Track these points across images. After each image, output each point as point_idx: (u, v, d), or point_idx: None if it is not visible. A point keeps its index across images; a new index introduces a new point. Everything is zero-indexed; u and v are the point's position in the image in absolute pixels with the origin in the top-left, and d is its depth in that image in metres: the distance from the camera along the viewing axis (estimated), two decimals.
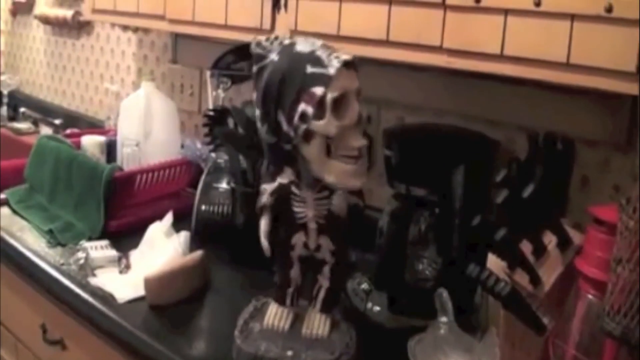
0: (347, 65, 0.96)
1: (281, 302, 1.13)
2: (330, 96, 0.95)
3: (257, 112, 1.02)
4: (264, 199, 1.06)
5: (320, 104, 0.95)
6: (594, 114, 1.24)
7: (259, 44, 1.03)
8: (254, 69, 1.02)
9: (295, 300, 1.13)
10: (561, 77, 0.97)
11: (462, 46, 1.06)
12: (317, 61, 0.97)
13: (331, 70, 0.95)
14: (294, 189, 1.04)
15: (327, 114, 0.95)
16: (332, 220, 1.05)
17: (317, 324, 1.10)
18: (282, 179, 1.05)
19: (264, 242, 1.06)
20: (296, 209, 1.05)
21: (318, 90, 0.95)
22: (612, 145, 1.24)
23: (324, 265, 1.09)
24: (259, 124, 1.03)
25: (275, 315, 1.12)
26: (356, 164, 0.98)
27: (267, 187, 1.06)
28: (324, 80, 0.95)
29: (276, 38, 1.04)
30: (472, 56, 1.06)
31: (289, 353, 1.06)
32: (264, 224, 1.07)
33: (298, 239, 1.08)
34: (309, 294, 1.13)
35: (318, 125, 0.96)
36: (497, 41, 1.01)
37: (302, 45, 1.00)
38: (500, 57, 1.02)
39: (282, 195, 1.05)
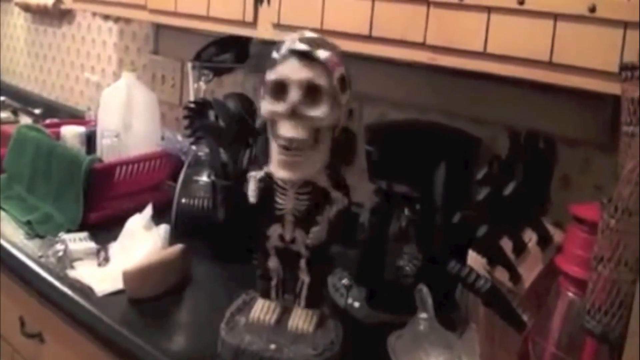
0: (297, 54, 0.97)
1: (266, 295, 1.13)
2: (269, 78, 0.98)
3: None
4: (251, 185, 1.06)
5: (265, 86, 0.99)
6: (575, 113, 1.24)
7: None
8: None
9: (281, 294, 1.13)
10: (544, 76, 0.97)
11: (445, 43, 1.06)
12: (278, 47, 0.99)
13: (276, 55, 0.98)
14: (276, 179, 1.04)
15: (267, 96, 0.99)
16: (311, 218, 1.05)
17: (302, 319, 1.10)
18: (267, 169, 1.05)
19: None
20: (277, 199, 1.05)
21: (267, 72, 0.99)
22: (593, 144, 1.25)
23: (300, 258, 1.09)
24: None
25: (261, 309, 1.12)
26: (288, 155, 0.98)
27: (254, 174, 1.06)
28: (271, 63, 0.99)
29: None
30: (455, 53, 1.05)
31: (272, 346, 1.06)
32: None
33: (274, 230, 1.07)
34: (294, 289, 1.12)
35: (260, 106, 1.00)
36: (480, 39, 1.01)
37: (292, 35, 1.01)
38: (483, 55, 1.02)
39: (266, 185, 1.05)
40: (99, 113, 1.84)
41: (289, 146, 0.98)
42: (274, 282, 1.12)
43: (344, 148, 1.05)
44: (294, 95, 0.96)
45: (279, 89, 0.98)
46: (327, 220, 1.05)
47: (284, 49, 0.98)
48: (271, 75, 0.98)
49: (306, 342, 1.07)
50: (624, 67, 0.75)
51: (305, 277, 1.10)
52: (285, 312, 1.12)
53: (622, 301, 0.72)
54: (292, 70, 0.97)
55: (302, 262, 1.09)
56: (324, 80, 0.97)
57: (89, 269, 1.36)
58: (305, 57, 0.97)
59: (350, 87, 1.02)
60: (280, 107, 0.97)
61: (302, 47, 0.97)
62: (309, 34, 1.01)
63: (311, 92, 0.97)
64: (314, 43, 0.98)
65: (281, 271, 1.12)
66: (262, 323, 1.11)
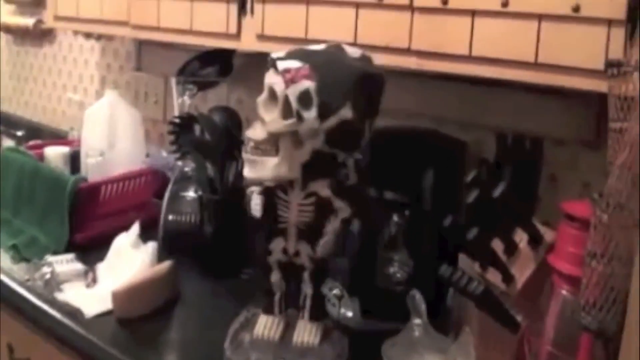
0: (269, 62, 1.00)
1: (269, 311, 1.11)
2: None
3: None
4: (254, 199, 1.06)
5: None
6: (561, 113, 1.25)
7: None
8: None
9: (284, 308, 1.12)
10: (530, 77, 0.97)
11: (431, 48, 1.06)
12: None
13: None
14: (279, 192, 1.03)
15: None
16: (314, 229, 1.04)
17: (308, 332, 1.08)
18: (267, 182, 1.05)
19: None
20: (280, 213, 1.04)
21: None
22: (580, 143, 1.25)
23: (303, 271, 1.08)
24: None
25: (265, 325, 1.10)
26: (249, 153, 1.00)
27: (254, 189, 1.06)
28: None
29: None
30: (441, 58, 1.06)
31: None
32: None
33: (277, 244, 1.07)
34: (297, 302, 1.11)
35: None
36: (465, 42, 1.02)
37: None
38: (469, 58, 1.02)
39: (267, 198, 1.04)
40: (82, 132, 1.82)
41: (250, 145, 1.00)
42: (277, 297, 1.11)
43: (341, 136, 1.01)
44: (260, 97, 1.00)
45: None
46: (333, 231, 1.05)
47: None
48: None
49: (313, 355, 1.06)
50: (610, 64, 0.76)
51: (308, 290, 1.09)
52: (288, 327, 1.11)
53: (616, 296, 0.71)
54: (267, 76, 1.00)
55: (306, 275, 1.08)
56: (281, 89, 0.97)
57: (77, 291, 1.34)
58: (272, 65, 0.99)
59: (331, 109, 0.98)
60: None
61: (275, 55, 0.99)
62: (315, 47, 1.03)
63: (272, 97, 0.99)
64: (292, 54, 0.99)
65: (284, 286, 1.10)
66: (267, 339, 1.09)
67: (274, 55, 1.00)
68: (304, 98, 0.96)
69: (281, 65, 0.97)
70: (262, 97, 1.00)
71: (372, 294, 1.25)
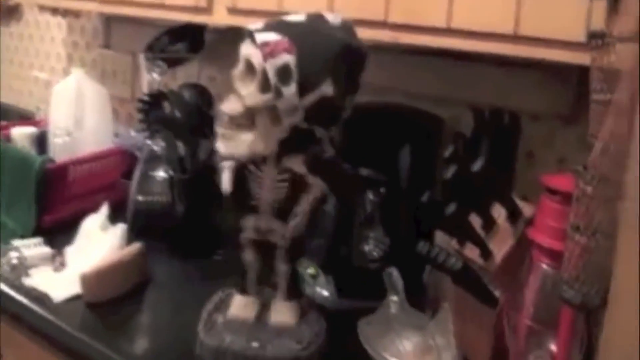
0: (246, 33, 0.96)
1: (243, 291, 1.09)
2: None
3: None
4: (225, 174, 1.02)
5: None
6: (539, 88, 1.24)
7: None
8: None
9: (259, 288, 1.09)
10: (509, 50, 0.95)
11: (407, 20, 1.04)
12: None
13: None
14: (251, 167, 1.00)
15: None
16: (287, 206, 1.02)
17: (284, 312, 1.06)
18: None
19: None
20: (252, 189, 1.01)
21: None
22: (556, 117, 1.24)
23: (277, 249, 1.05)
24: None
25: (239, 305, 1.08)
26: (225, 128, 0.98)
27: (227, 164, 1.02)
28: None
29: None
30: (417, 31, 1.03)
31: (255, 344, 1.02)
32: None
33: (249, 221, 1.04)
34: (272, 282, 1.09)
35: None
36: (443, 14, 0.99)
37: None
38: (447, 31, 1.00)
39: (240, 174, 1.01)
40: (49, 112, 1.78)
41: (225, 119, 0.97)
42: (251, 276, 1.08)
43: (320, 112, 0.98)
44: (236, 69, 0.96)
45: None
46: (307, 208, 1.02)
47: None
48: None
49: (290, 335, 1.03)
50: (592, 35, 0.74)
51: (283, 269, 1.07)
52: (264, 307, 1.08)
53: (600, 269, 0.70)
54: (242, 47, 0.97)
55: (281, 253, 1.05)
56: (257, 61, 0.94)
57: (45, 275, 1.30)
58: (249, 36, 0.95)
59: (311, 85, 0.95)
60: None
61: (254, 26, 0.95)
62: (295, 17, 0.99)
63: (249, 70, 0.95)
64: (270, 26, 0.95)
65: (257, 265, 1.08)
66: (241, 320, 1.06)
67: (251, 26, 0.95)
68: (283, 73, 0.92)
69: (260, 37, 0.93)
70: (239, 70, 0.97)
71: (348, 272, 1.24)
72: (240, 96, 0.96)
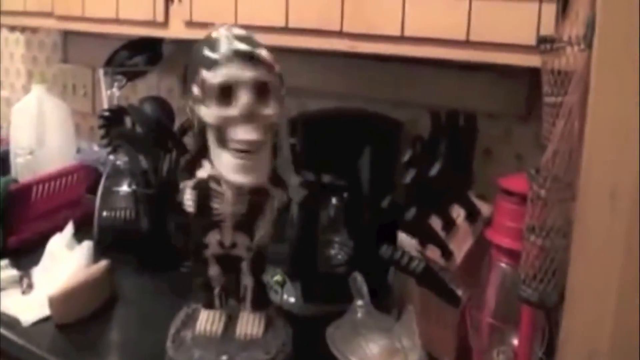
0: (240, 55, 0.91)
1: (209, 305, 1.09)
2: (213, 81, 0.90)
3: None
4: (187, 194, 1.00)
5: (206, 90, 0.91)
6: (494, 88, 1.26)
7: None
8: None
9: (224, 301, 1.09)
10: (462, 55, 0.97)
11: (363, 30, 1.05)
12: (213, 45, 0.92)
13: (217, 56, 0.91)
14: (212, 184, 0.98)
15: (211, 101, 0.91)
16: (250, 219, 1.01)
17: (250, 324, 1.07)
18: (200, 174, 0.99)
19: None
20: (214, 205, 0.99)
21: (203, 73, 0.91)
22: (512, 116, 1.27)
23: (241, 262, 1.06)
24: None
25: (206, 320, 1.08)
26: (245, 158, 0.93)
27: (188, 183, 1.00)
28: (211, 63, 0.91)
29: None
30: (373, 39, 1.04)
31: (224, 358, 1.02)
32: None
33: (212, 237, 1.03)
34: (237, 294, 1.09)
35: (200, 111, 0.93)
36: (397, 23, 1.01)
37: (227, 31, 0.95)
38: (401, 39, 1.01)
39: (201, 192, 0.99)
40: (10, 131, 1.76)
41: (250, 149, 0.92)
42: (216, 291, 1.08)
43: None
44: (247, 97, 0.90)
45: (226, 92, 0.91)
46: (270, 219, 1.02)
47: (224, 50, 0.91)
48: (216, 78, 0.90)
49: (257, 347, 1.04)
50: (542, 39, 0.76)
51: (248, 281, 1.07)
52: (231, 320, 1.08)
53: (556, 268, 0.72)
54: (239, 71, 0.91)
55: (244, 265, 1.06)
56: (269, 77, 0.93)
57: (13, 298, 1.28)
58: (251, 57, 0.92)
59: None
60: (232, 111, 0.91)
61: (244, 47, 0.92)
62: (237, 31, 0.95)
63: (260, 91, 0.92)
64: (251, 41, 0.94)
65: (223, 279, 1.08)
66: (209, 335, 1.06)
67: (241, 48, 0.91)
68: (281, 79, 0.96)
69: (263, 53, 0.93)
70: (250, 96, 0.91)
71: (314, 278, 1.25)
72: (263, 118, 0.93)
